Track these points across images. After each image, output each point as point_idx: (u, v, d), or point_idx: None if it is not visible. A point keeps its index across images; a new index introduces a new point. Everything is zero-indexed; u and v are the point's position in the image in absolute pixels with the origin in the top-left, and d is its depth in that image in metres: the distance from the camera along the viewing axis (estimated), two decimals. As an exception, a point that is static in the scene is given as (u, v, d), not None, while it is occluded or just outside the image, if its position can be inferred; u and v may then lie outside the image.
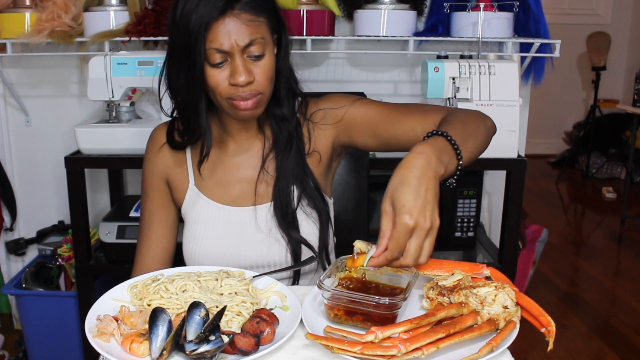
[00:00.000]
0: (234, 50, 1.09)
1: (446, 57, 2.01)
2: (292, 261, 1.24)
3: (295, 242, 1.23)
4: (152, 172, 1.31)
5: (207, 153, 1.24)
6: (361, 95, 1.65)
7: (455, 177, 0.98)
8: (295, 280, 1.27)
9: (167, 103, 1.30)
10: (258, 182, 1.25)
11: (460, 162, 0.98)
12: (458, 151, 0.97)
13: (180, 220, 1.34)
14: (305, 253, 1.25)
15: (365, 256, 0.94)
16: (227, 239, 1.25)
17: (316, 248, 1.26)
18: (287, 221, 1.23)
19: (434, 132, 0.99)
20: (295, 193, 1.24)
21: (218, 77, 1.11)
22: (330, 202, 1.32)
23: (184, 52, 1.11)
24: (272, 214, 1.24)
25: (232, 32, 1.08)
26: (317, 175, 1.28)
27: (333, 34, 2.10)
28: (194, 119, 1.20)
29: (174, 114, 1.29)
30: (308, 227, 1.25)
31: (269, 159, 1.26)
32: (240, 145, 1.28)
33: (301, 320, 0.93)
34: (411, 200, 0.88)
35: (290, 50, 1.22)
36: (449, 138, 0.97)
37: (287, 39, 1.20)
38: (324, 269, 1.29)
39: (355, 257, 0.97)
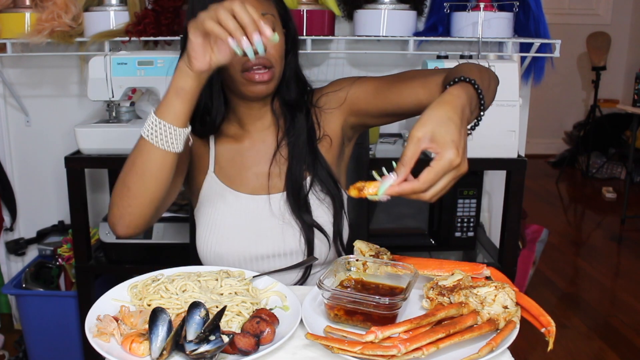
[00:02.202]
0: None
1: (446, 57, 2.01)
2: (305, 247, 1.26)
3: (308, 226, 1.25)
4: None
5: (221, 117, 1.26)
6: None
7: (473, 128, 0.98)
8: (305, 273, 1.28)
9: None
10: (272, 172, 1.28)
11: (482, 113, 0.98)
12: (482, 101, 0.98)
13: (192, 221, 1.34)
14: (318, 238, 1.26)
15: (379, 184, 0.88)
16: (243, 227, 1.26)
17: (330, 233, 1.27)
18: (299, 206, 1.24)
19: (462, 78, 0.98)
20: (308, 179, 1.27)
21: None
22: (345, 196, 1.33)
23: None
24: (285, 200, 1.26)
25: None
26: (329, 161, 1.30)
27: (333, 34, 2.10)
28: (208, 91, 1.21)
29: None
30: (322, 212, 1.27)
31: (281, 147, 1.28)
32: (256, 138, 1.30)
33: (301, 320, 0.93)
34: (458, 138, 0.87)
35: (298, 49, 1.27)
36: (476, 86, 0.97)
37: (295, 34, 1.26)
38: (339, 254, 1.30)
39: (363, 185, 0.90)
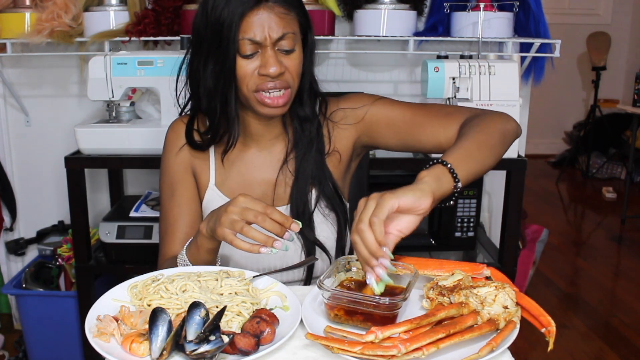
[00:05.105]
0: (267, 42, 1.10)
1: (446, 57, 2.01)
2: None
3: (310, 243, 1.23)
4: (178, 165, 1.28)
5: (234, 142, 1.23)
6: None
7: (453, 198, 1.00)
8: (307, 282, 1.27)
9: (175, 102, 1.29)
10: (277, 184, 1.25)
11: (459, 185, 0.99)
12: (455, 176, 0.99)
13: None
14: (319, 255, 1.24)
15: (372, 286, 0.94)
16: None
17: (334, 250, 1.26)
18: (303, 222, 1.21)
19: (432, 162, 1.01)
20: (314, 195, 1.24)
21: (247, 68, 1.12)
22: (348, 205, 1.31)
23: (214, 42, 1.11)
24: (288, 214, 1.23)
25: (265, 23, 1.09)
26: (336, 177, 1.27)
27: (333, 34, 2.10)
28: (222, 109, 1.18)
29: (185, 110, 1.29)
30: (326, 228, 1.25)
31: (289, 159, 1.25)
32: (263, 146, 1.27)
33: (301, 320, 0.93)
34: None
35: (315, 51, 1.22)
36: (443, 162, 1.00)
37: (313, 40, 1.20)
38: None
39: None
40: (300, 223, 1.02)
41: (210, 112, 1.20)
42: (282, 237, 1.01)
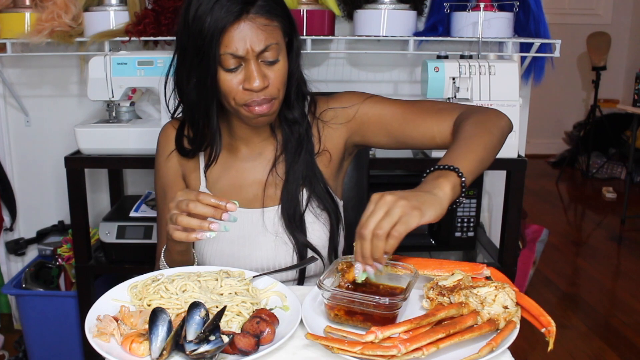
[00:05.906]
0: (249, 55, 1.08)
1: (446, 57, 2.01)
2: None
3: (301, 245, 1.22)
4: (169, 170, 1.29)
5: (215, 158, 1.24)
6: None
7: (454, 205, 0.98)
8: (300, 282, 1.27)
9: (171, 105, 1.29)
10: (267, 185, 1.25)
11: (461, 200, 0.98)
12: (463, 185, 0.97)
13: None
14: (311, 256, 1.24)
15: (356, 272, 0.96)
16: (236, 241, 1.24)
17: (326, 249, 1.25)
18: (294, 224, 1.22)
19: (446, 166, 0.98)
20: (305, 195, 1.24)
21: (232, 82, 1.10)
22: (340, 204, 1.31)
23: (196, 56, 1.09)
24: (279, 216, 1.23)
25: (247, 37, 1.07)
26: (327, 176, 1.27)
27: (333, 34, 2.10)
28: (204, 123, 1.19)
29: (176, 114, 1.29)
30: (318, 229, 1.24)
31: (279, 162, 1.25)
32: (253, 149, 1.27)
33: (301, 320, 0.93)
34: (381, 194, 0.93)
35: (300, 53, 1.21)
36: (459, 173, 0.97)
37: (298, 42, 1.19)
38: None
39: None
40: (236, 202, 1.01)
41: (194, 124, 1.21)
42: (220, 219, 1.00)
